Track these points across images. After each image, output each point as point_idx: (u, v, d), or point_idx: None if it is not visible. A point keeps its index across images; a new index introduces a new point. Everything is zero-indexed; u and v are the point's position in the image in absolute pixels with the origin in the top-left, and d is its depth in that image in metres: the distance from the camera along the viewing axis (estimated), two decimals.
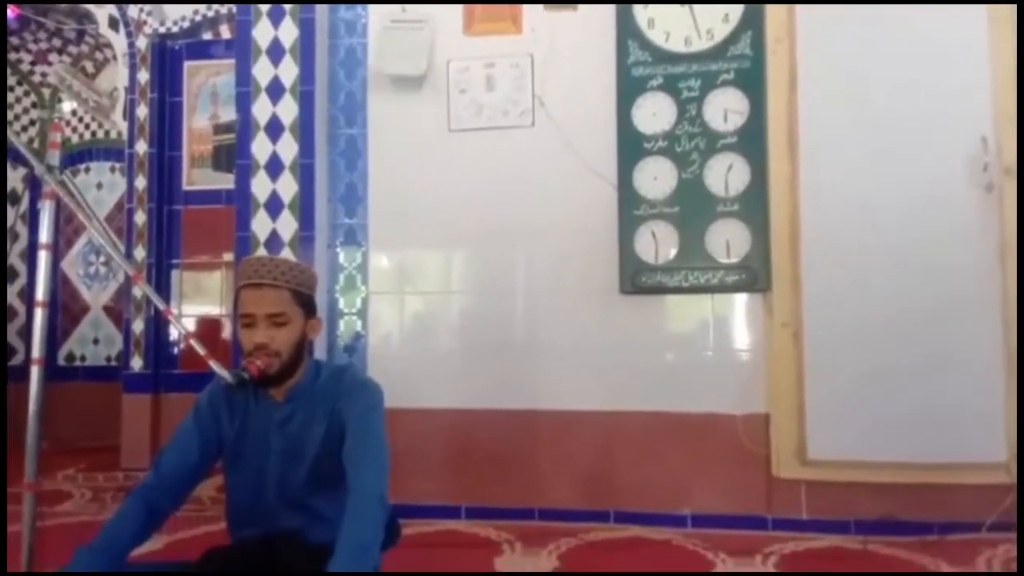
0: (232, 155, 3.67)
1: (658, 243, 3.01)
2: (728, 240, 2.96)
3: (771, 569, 2.46)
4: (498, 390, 3.16)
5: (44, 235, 1.88)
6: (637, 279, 3.02)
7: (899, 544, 2.69)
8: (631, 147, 3.06)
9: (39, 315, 1.85)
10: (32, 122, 5.47)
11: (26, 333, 5.38)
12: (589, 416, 3.08)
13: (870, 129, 2.89)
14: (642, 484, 3.02)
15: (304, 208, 3.24)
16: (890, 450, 2.80)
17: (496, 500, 3.11)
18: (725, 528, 2.91)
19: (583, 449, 3.08)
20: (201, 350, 1.80)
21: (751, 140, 2.97)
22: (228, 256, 4.33)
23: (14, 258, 5.45)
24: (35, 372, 1.82)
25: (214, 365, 1.75)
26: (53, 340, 5.35)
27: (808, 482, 2.90)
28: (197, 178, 4.54)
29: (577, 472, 3.09)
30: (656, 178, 3.03)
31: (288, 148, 3.26)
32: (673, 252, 3.00)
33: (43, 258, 1.88)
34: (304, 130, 3.24)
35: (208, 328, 4.48)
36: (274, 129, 3.26)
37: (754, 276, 2.94)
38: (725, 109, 2.99)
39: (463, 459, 3.17)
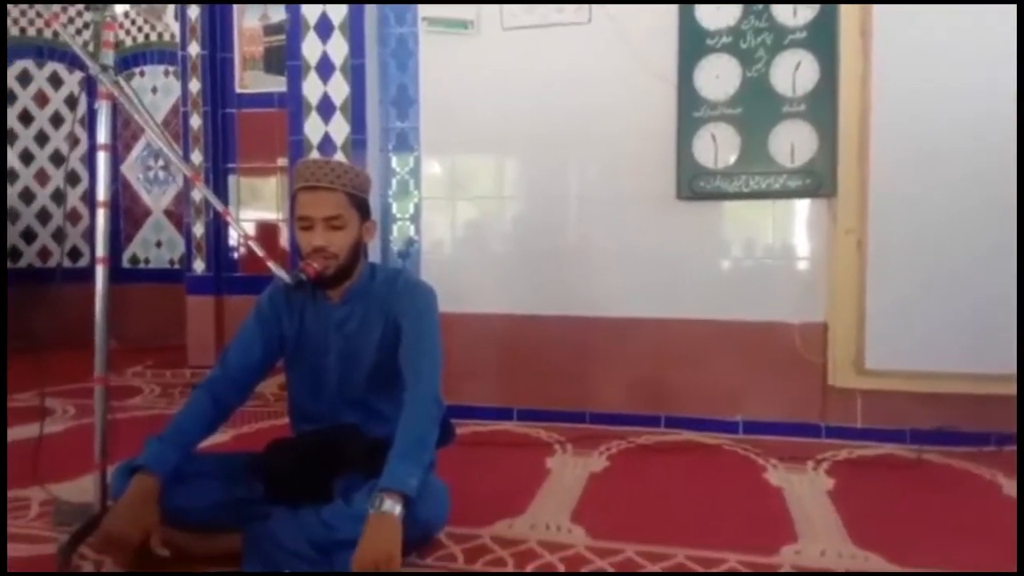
0: (283, 56, 3.63)
1: (718, 146, 2.91)
2: (793, 143, 2.83)
3: (822, 475, 2.46)
4: (550, 296, 3.16)
5: (102, 136, 1.90)
6: (695, 184, 2.94)
7: (955, 454, 2.66)
8: (693, 44, 2.92)
9: (101, 215, 1.89)
10: (86, 25, 5.46)
11: (90, 235, 5.55)
12: (642, 323, 3.06)
13: (952, 21, 2.69)
14: (694, 391, 3.03)
15: (355, 111, 3.21)
16: (950, 360, 2.73)
17: (547, 403, 3.16)
18: (777, 435, 2.92)
19: (635, 356, 3.08)
20: (260, 251, 1.83)
21: (821, 35, 2.80)
22: (282, 161, 4.36)
23: (76, 163, 5.57)
24: (100, 271, 1.87)
25: (273, 267, 1.79)
26: (117, 243, 5.52)
27: (864, 392, 2.86)
28: (250, 80, 4.52)
29: (628, 378, 3.10)
30: (718, 77, 2.89)
31: (339, 48, 3.20)
32: (734, 156, 2.90)
33: (102, 159, 1.90)
34: (354, 29, 3.18)
35: (266, 233, 4.56)
36: (324, 28, 3.20)
37: (818, 181, 2.82)
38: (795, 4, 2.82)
39: (515, 363, 3.20)
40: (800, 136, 2.83)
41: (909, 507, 2.20)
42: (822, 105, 2.81)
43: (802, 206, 2.93)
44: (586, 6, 3.05)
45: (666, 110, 2.96)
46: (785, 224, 2.97)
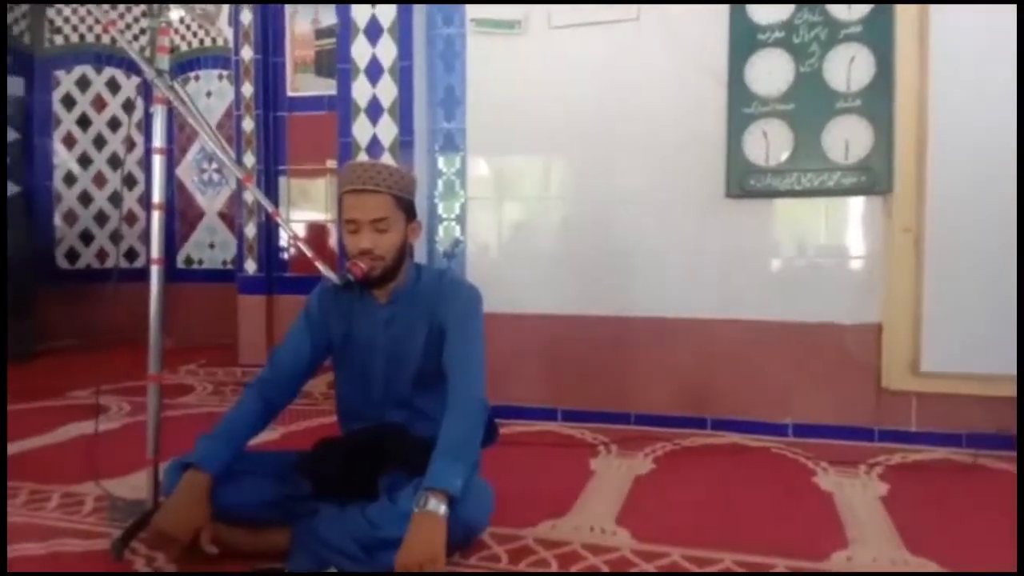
0: (334, 60, 3.68)
1: (769, 143, 2.85)
2: (847, 139, 2.76)
3: (875, 479, 2.40)
4: (597, 297, 3.14)
5: (157, 140, 1.95)
6: (745, 182, 2.89)
7: (1012, 459, 2.56)
8: (744, 39, 2.86)
9: (156, 217, 1.93)
10: (142, 31, 5.62)
11: (146, 236, 5.70)
12: (689, 324, 3.02)
13: (1010, 17, 2.59)
14: (742, 393, 2.98)
15: (403, 112, 3.23)
16: (1008, 362, 2.62)
17: (592, 404, 3.14)
18: (828, 438, 2.85)
19: (682, 357, 3.04)
20: (309, 252, 1.86)
21: (877, 29, 2.72)
22: (331, 163, 4.42)
23: (132, 165, 5.73)
24: (154, 271, 1.92)
25: (321, 267, 1.81)
26: (172, 244, 5.65)
27: (919, 394, 2.78)
28: (301, 84, 4.60)
29: (675, 379, 3.06)
30: (770, 73, 2.84)
31: (387, 51, 3.23)
32: (786, 153, 2.84)
33: (157, 162, 1.95)
34: (403, 31, 3.20)
35: (315, 234, 4.63)
36: (373, 31, 3.23)
37: (874, 178, 2.75)
38: None
39: (560, 364, 3.19)
40: (855, 132, 2.76)
41: (965, 512, 2.14)
42: (878, 100, 2.73)
43: (856, 204, 2.86)
44: (633, 4, 3.01)
45: (716, 107, 2.92)
46: (839, 222, 2.90)
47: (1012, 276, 2.62)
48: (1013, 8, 2.59)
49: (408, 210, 1.87)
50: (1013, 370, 2.62)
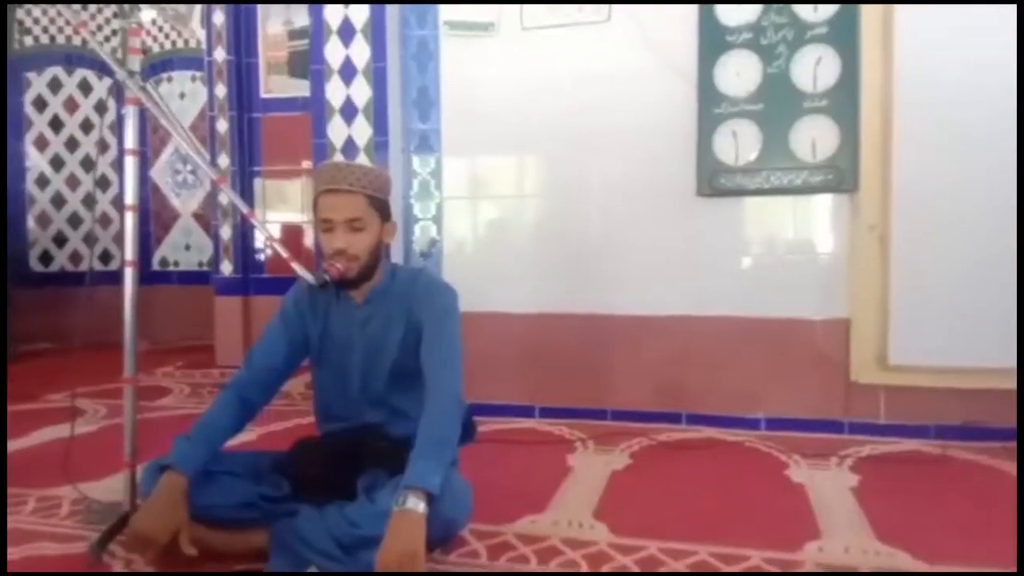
0: (307, 61, 3.67)
1: (739, 143, 2.90)
2: (814, 138, 2.81)
3: (846, 471, 2.45)
4: (572, 294, 3.17)
5: (130, 141, 1.94)
6: (715, 181, 2.93)
7: (980, 450, 2.63)
8: (713, 40, 2.91)
9: (129, 218, 1.93)
10: (114, 32, 5.57)
11: (120, 238, 5.65)
12: (663, 321, 3.06)
13: (976, 13, 2.65)
14: (716, 388, 3.02)
15: (377, 113, 3.23)
16: (976, 355, 2.70)
17: (569, 401, 3.16)
18: (800, 431, 2.90)
19: (656, 353, 3.08)
20: (284, 253, 1.86)
21: (842, 30, 2.78)
22: (307, 163, 4.41)
23: (105, 168, 5.67)
24: (128, 273, 1.91)
25: (297, 267, 1.82)
26: (147, 246, 5.61)
27: (888, 387, 2.84)
28: (274, 85, 4.58)
29: (650, 375, 3.10)
30: (739, 74, 2.89)
31: (361, 52, 3.23)
32: (754, 153, 2.88)
33: (130, 163, 1.94)
34: (376, 32, 3.20)
35: (290, 234, 4.61)
36: (346, 32, 3.23)
37: (841, 176, 2.80)
38: None
39: (537, 361, 3.22)
40: (822, 131, 2.81)
41: (934, 503, 2.18)
42: (844, 100, 2.79)
43: (824, 202, 2.91)
44: (605, 6, 3.05)
45: (686, 107, 2.96)
46: (807, 220, 2.95)
47: (977, 270, 2.69)
48: (977, 8, 2.64)
49: (383, 210, 1.88)
50: (980, 363, 2.68)
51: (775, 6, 2.83)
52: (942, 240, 2.74)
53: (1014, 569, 1.63)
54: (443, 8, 3.23)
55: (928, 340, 2.75)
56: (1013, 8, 2.59)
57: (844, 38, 2.78)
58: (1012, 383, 2.64)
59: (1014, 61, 2.61)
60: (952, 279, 2.73)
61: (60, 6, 5.48)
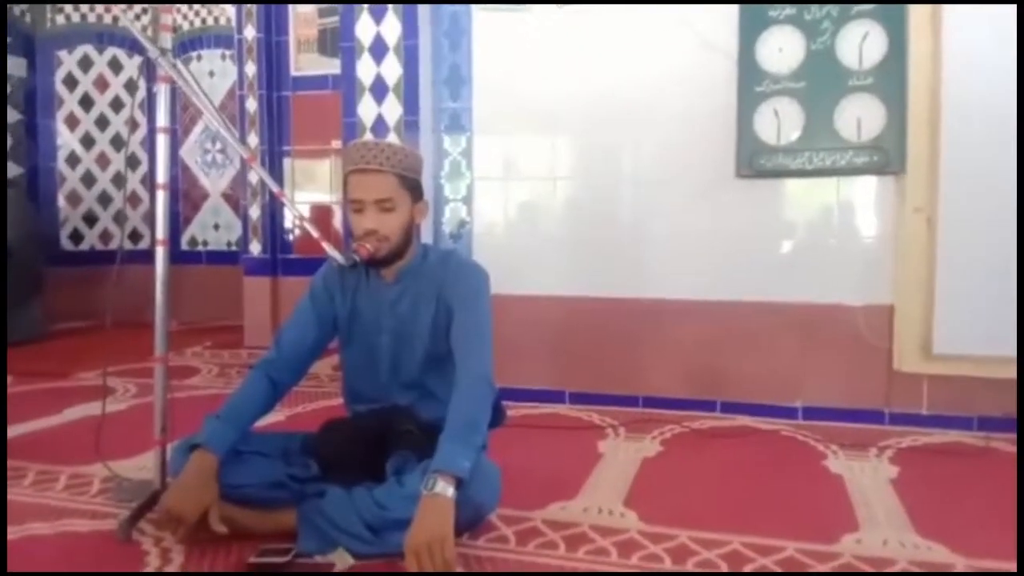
0: (337, 38, 3.64)
1: (780, 122, 2.81)
2: (859, 118, 2.72)
3: (885, 462, 2.38)
4: (604, 278, 3.11)
5: (162, 119, 1.93)
6: (755, 162, 2.85)
7: None
8: (754, 15, 2.82)
9: (161, 197, 1.91)
10: (144, 10, 5.58)
11: (150, 217, 5.69)
12: (698, 306, 3.00)
13: None
14: (752, 375, 2.95)
15: (408, 92, 3.19)
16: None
17: (599, 387, 3.12)
18: (838, 421, 2.83)
19: (691, 339, 3.02)
20: (315, 232, 1.84)
21: (890, 5, 2.68)
22: (336, 143, 4.38)
23: (135, 146, 5.70)
24: (160, 252, 1.90)
25: (327, 247, 1.79)
26: (176, 226, 5.64)
27: (931, 377, 2.76)
28: (304, 63, 4.55)
29: (684, 362, 3.04)
30: (781, 50, 2.79)
31: (392, 29, 3.18)
32: (797, 132, 2.79)
33: (162, 141, 1.93)
34: (407, 9, 3.15)
35: (320, 215, 4.61)
36: (377, 9, 3.19)
37: (886, 157, 2.71)
38: None
39: (567, 346, 3.17)
40: (867, 110, 2.72)
41: (975, 496, 2.12)
42: (891, 78, 2.69)
43: (868, 183, 2.82)
44: None
45: (726, 85, 2.87)
46: (850, 202, 2.86)
47: None
48: None
49: (414, 190, 1.84)
50: None
51: None
52: (990, 225, 2.64)
53: None
54: None
55: (974, 328, 2.67)
56: None
57: (891, 14, 2.68)
58: None
59: None
60: (999, 266, 2.63)
61: None
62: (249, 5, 4.49)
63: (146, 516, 1.80)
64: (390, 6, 3.16)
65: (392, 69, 3.20)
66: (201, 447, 1.68)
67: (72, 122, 5.64)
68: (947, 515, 1.96)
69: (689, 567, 1.65)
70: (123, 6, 5.42)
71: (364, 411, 1.96)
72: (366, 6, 3.20)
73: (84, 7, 5.61)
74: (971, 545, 1.75)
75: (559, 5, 3.06)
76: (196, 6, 5.59)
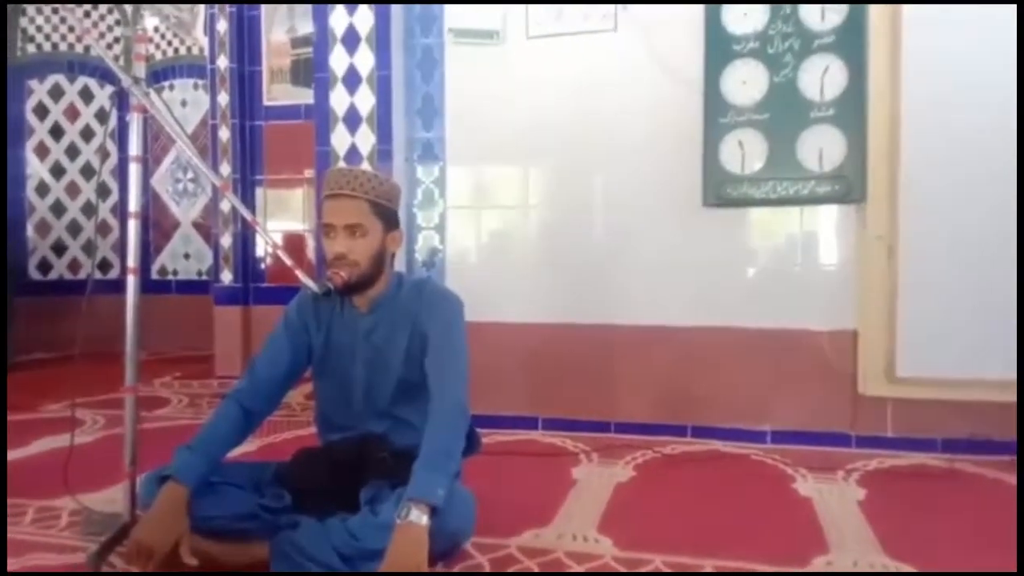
0: (310, 69, 3.66)
1: (745, 152, 2.88)
2: (821, 148, 2.80)
3: (853, 485, 2.42)
4: (576, 305, 3.14)
5: (134, 148, 1.93)
6: (721, 191, 2.91)
7: (988, 463, 2.60)
8: (719, 49, 2.89)
9: (132, 226, 1.91)
10: (116, 39, 5.58)
11: (120, 247, 5.63)
12: (668, 332, 3.04)
13: (983, 21, 2.65)
14: (721, 400, 2.99)
15: (381, 121, 3.22)
16: (984, 368, 2.67)
17: (572, 413, 3.14)
18: (806, 444, 2.87)
19: (661, 365, 3.06)
20: (288, 260, 1.84)
21: (850, 39, 2.77)
22: (309, 172, 4.39)
23: (107, 175, 5.66)
24: (131, 281, 1.89)
25: (301, 275, 1.79)
26: (146, 255, 5.59)
27: (895, 400, 2.81)
28: (277, 93, 4.56)
29: (654, 387, 3.07)
30: (745, 82, 2.87)
31: (365, 60, 3.22)
32: (761, 162, 2.87)
33: (134, 170, 1.93)
34: (380, 40, 3.20)
35: (293, 243, 4.59)
36: (351, 40, 3.23)
37: (848, 186, 2.79)
38: (822, 6, 2.79)
39: (540, 372, 3.19)
40: (829, 141, 2.80)
41: (942, 517, 2.16)
42: (851, 110, 2.78)
43: (831, 212, 2.90)
44: (612, 15, 3.04)
45: (692, 116, 2.94)
46: (814, 231, 2.94)
47: (985, 282, 2.67)
48: (985, 15, 2.63)
49: (387, 218, 1.85)
50: (987, 375, 2.66)
51: (782, 15, 2.82)
52: (950, 251, 2.72)
53: None
54: (448, 16, 3.22)
55: (936, 352, 2.73)
56: None
57: (851, 47, 2.77)
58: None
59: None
60: (961, 290, 2.71)
61: (65, 11, 5.47)
62: (222, 36, 4.50)
63: (116, 549, 1.77)
64: (363, 39, 3.20)
65: (365, 99, 3.23)
66: (172, 478, 1.66)
67: (42, 151, 5.59)
68: (915, 536, 1.99)
69: None
70: (96, 36, 5.40)
71: (337, 440, 1.95)
72: (339, 39, 3.23)
73: (56, 36, 5.58)
74: (939, 565, 1.78)
75: (528, 38, 3.12)
76: (168, 36, 5.59)
